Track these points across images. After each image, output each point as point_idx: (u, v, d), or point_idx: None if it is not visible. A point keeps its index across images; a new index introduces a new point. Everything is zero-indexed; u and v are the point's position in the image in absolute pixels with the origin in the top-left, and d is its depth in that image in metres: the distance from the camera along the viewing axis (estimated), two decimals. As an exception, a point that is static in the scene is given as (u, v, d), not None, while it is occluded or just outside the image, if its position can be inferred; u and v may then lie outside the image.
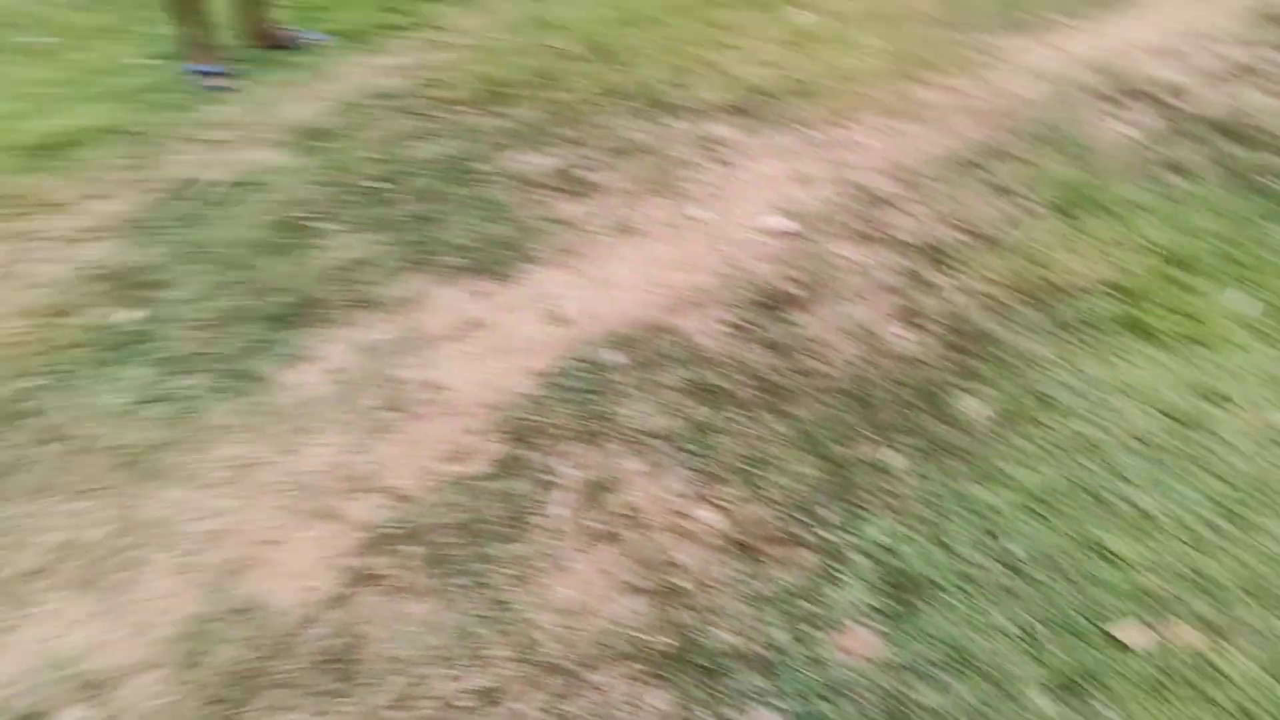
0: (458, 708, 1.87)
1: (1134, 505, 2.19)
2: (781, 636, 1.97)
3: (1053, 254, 3.00)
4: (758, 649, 1.95)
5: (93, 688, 1.92)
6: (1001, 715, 1.81)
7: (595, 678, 1.91)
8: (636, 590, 2.07)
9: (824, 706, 1.85)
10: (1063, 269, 2.93)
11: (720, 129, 3.81)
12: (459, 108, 3.91)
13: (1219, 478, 2.25)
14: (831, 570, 2.09)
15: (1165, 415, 2.42)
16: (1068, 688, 1.84)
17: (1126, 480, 2.25)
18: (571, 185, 3.43)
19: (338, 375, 2.62)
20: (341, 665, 1.94)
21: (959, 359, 2.63)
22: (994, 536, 2.14)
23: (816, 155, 3.61)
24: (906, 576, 2.06)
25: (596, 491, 2.29)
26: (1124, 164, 3.46)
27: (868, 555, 2.11)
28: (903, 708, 1.83)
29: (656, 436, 2.45)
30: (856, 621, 1.99)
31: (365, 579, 2.11)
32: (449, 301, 2.90)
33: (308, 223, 3.22)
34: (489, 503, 2.27)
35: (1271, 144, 3.58)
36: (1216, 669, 1.86)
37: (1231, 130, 3.66)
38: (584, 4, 4.92)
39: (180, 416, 2.49)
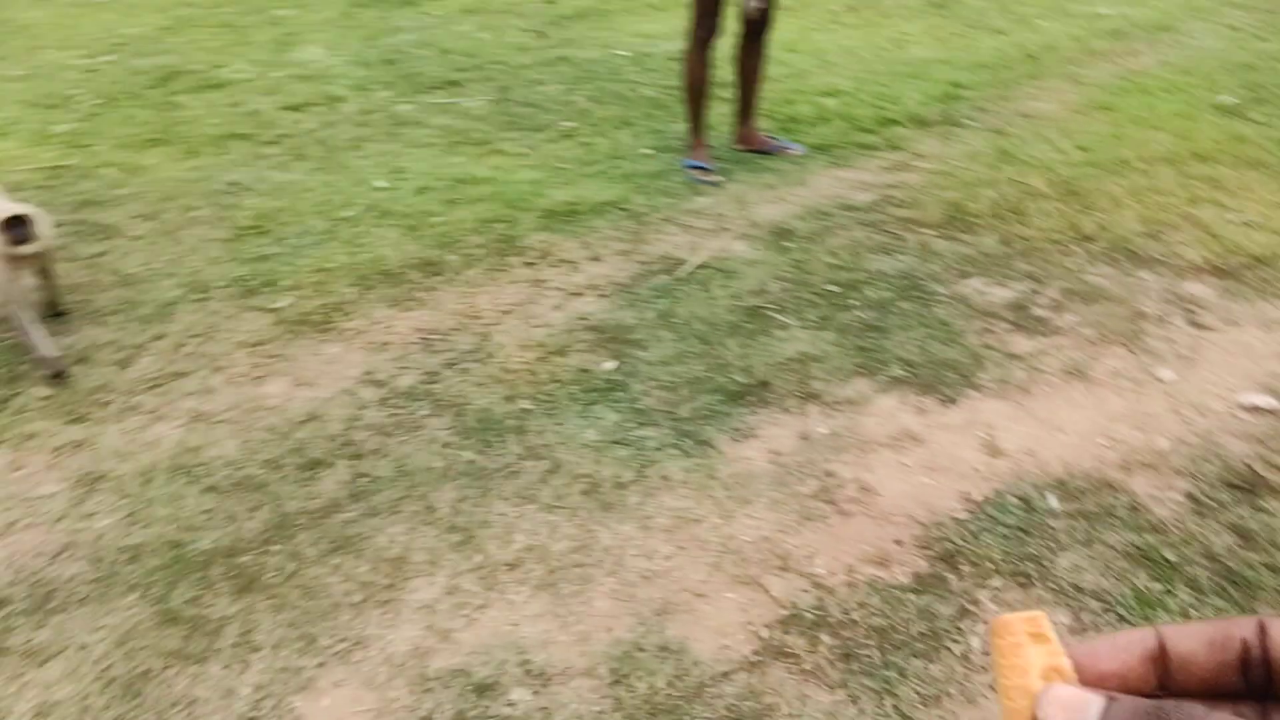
0: (854, 808, 1.89)
1: None
2: None
3: None
4: None
5: (537, 677, 2.21)
6: None
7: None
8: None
9: None
10: None
11: (1197, 289, 3.56)
12: (920, 228, 4.04)
13: None
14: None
15: None
16: None
17: None
18: (1026, 320, 3.38)
19: (778, 457, 2.80)
20: (749, 728, 2.05)
21: None
22: None
23: (1317, 335, 3.23)
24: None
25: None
26: None
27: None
28: None
29: (1091, 595, 2.31)
30: None
31: (778, 653, 2.22)
32: (889, 410, 2.98)
33: (768, 312, 3.49)
34: (906, 615, 2.28)
35: None
36: None
37: None
38: (1052, 143, 4.87)
39: (638, 462, 2.81)
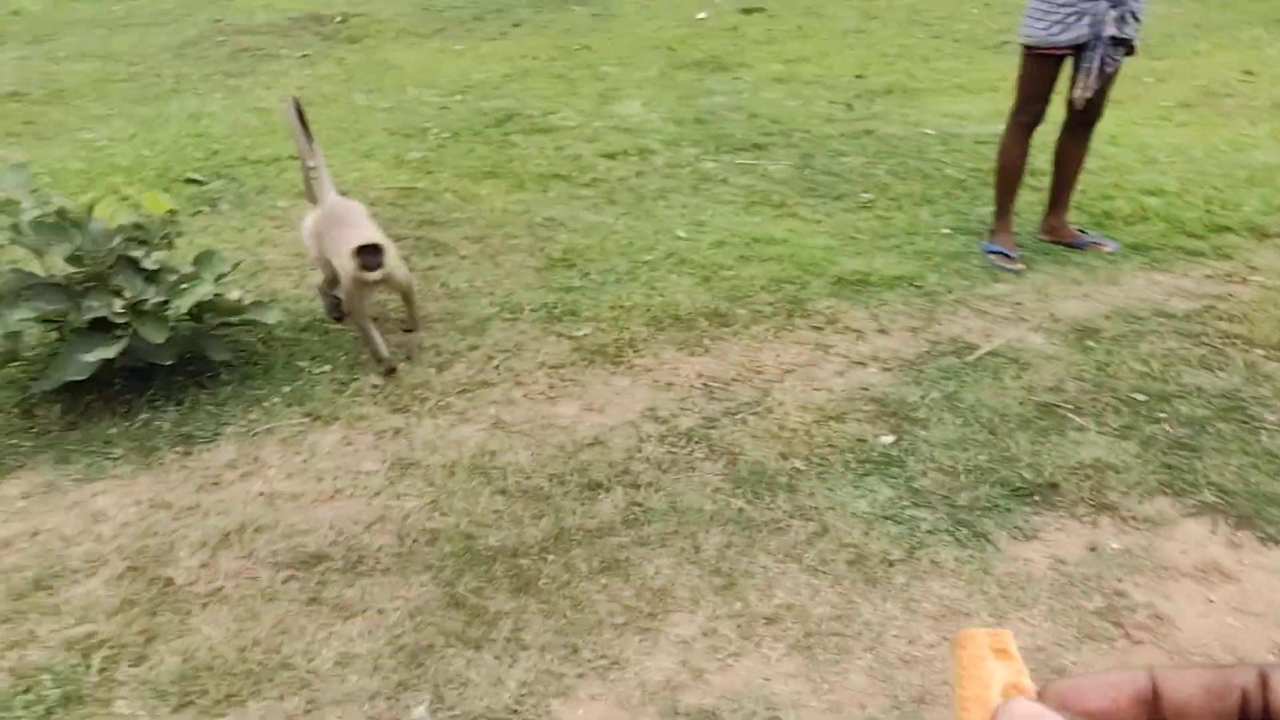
0: None
1: None
2: None
3: None
4: None
5: (782, 736, 2.20)
6: None
7: None
8: None
9: None
10: None
11: None
12: (1249, 347, 3.67)
13: None
14: None
15: None
16: None
17: None
18: (1379, 467, 2.97)
19: (1061, 565, 2.63)
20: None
21: None
22: None
23: None
24: None
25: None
26: None
27: None
28: None
29: None
30: None
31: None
32: (1196, 538, 2.72)
33: (1063, 411, 3.31)
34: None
35: None
36: None
37: None
38: None
39: (909, 542, 2.74)
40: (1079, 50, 4.19)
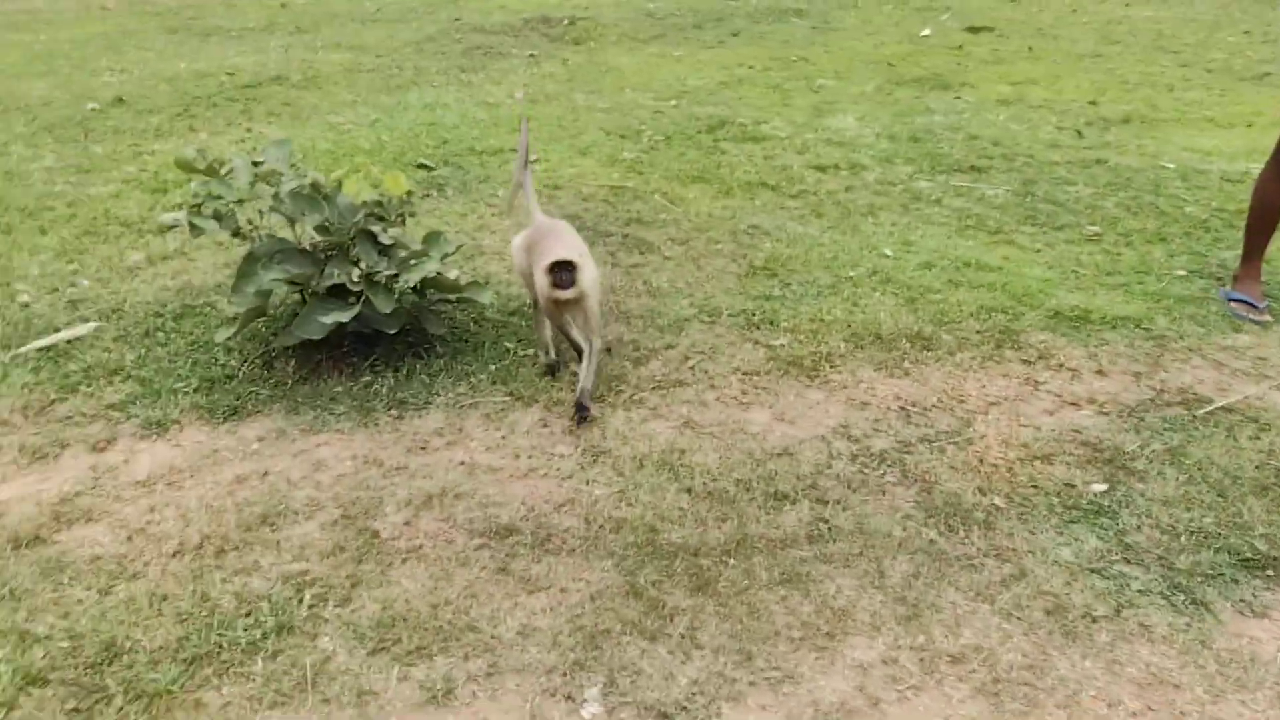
0: None
1: None
2: None
3: None
4: None
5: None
6: None
7: None
8: None
9: None
10: None
11: None
12: None
13: None
14: None
15: None
16: None
17: None
18: None
19: (1296, 649, 2.37)
20: None
21: None
22: None
23: None
24: None
25: None
26: None
27: None
28: None
29: None
30: None
31: None
32: None
33: (1310, 481, 2.99)
34: None
35: None
36: None
37: None
38: None
39: (1116, 600, 2.56)
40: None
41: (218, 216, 3.64)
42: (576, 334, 3.64)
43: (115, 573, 2.74)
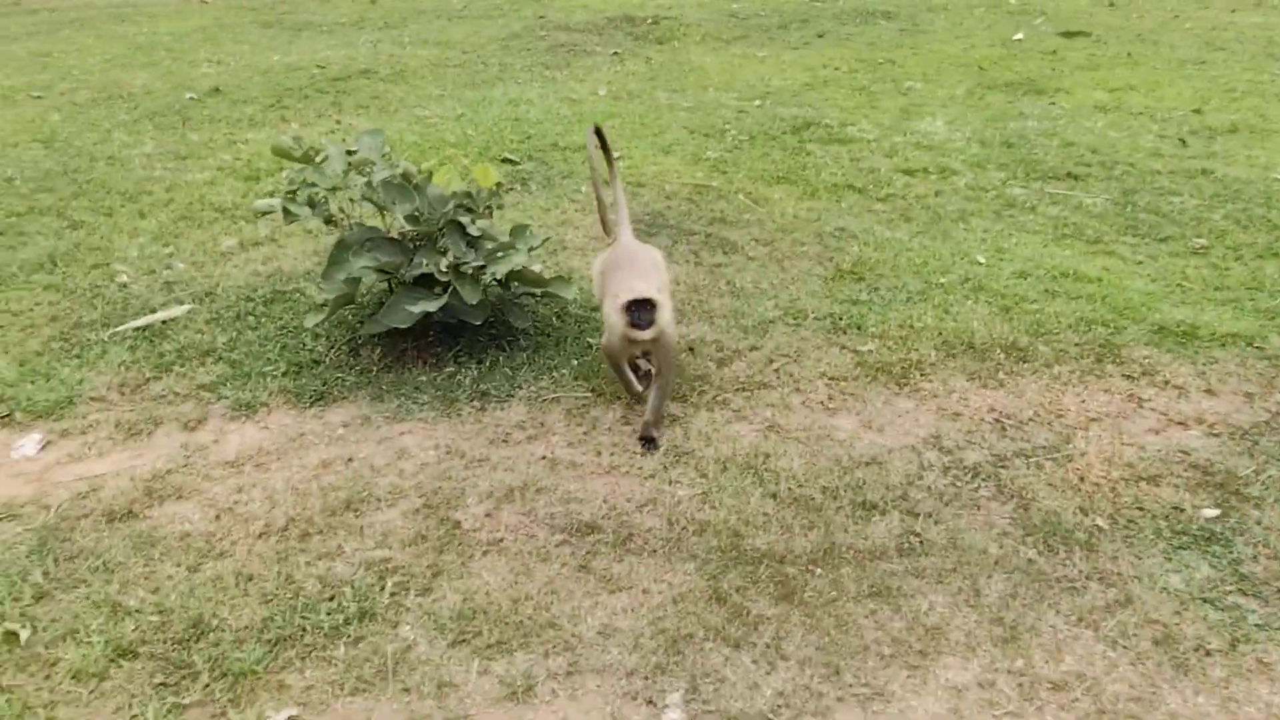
0: None
1: None
2: None
3: None
4: None
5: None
6: None
7: None
8: None
9: None
10: None
11: None
12: None
13: None
14: None
15: None
16: None
17: None
18: None
19: None
20: None
21: None
22: None
23: None
24: None
25: None
26: None
27: None
28: None
29: None
30: None
31: None
32: None
33: None
34: None
35: None
36: None
37: None
38: None
39: (1231, 633, 2.41)
40: None
41: (311, 203, 3.68)
42: (654, 365, 3.39)
43: (204, 550, 2.78)
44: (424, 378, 3.64)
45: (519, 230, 3.82)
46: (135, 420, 3.42)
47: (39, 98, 8.26)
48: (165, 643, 2.44)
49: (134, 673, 2.36)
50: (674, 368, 3.32)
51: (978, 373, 3.66)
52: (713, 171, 6.02)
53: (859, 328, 4.00)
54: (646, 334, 3.08)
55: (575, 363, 3.73)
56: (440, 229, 3.64)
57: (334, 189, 3.71)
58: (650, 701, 2.27)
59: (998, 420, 3.37)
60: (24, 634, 2.47)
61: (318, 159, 3.78)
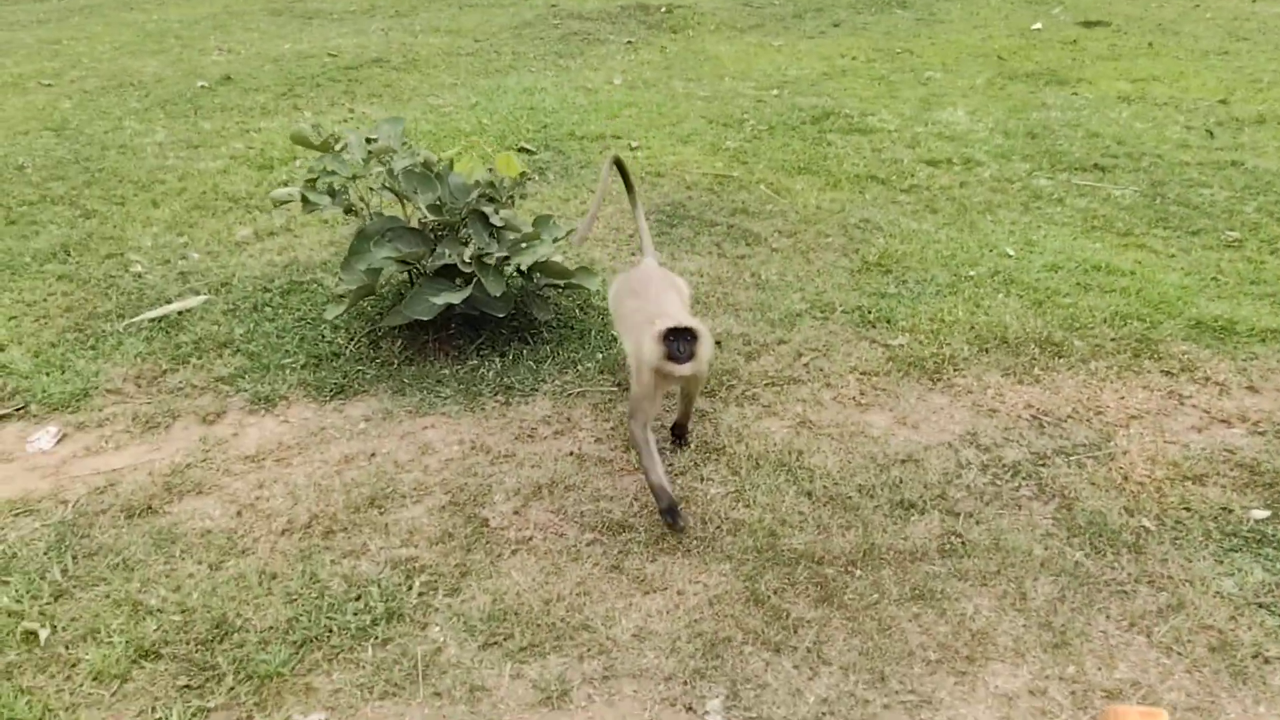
0: None
1: None
2: None
3: None
4: None
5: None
6: None
7: None
8: None
9: None
10: None
11: None
12: None
13: None
14: None
15: None
16: None
17: None
18: None
19: None
20: None
21: None
22: None
23: None
24: None
25: None
26: None
27: None
28: None
29: None
30: None
31: None
32: None
33: None
34: None
35: None
36: None
37: None
38: None
39: (1290, 638, 2.33)
40: None
41: (331, 192, 3.60)
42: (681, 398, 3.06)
43: (225, 548, 2.71)
44: (446, 371, 3.56)
45: (542, 220, 3.74)
46: (152, 413, 3.36)
47: (49, 85, 8.18)
48: (188, 643, 2.37)
49: (156, 674, 2.29)
50: (696, 393, 3.10)
51: (1012, 368, 3.57)
52: (733, 161, 5.93)
53: (888, 321, 3.91)
54: (685, 369, 2.69)
55: (600, 356, 3.65)
56: (463, 219, 3.56)
57: (354, 177, 3.63)
58: (690, 708, 2.20)
59: (1035, 417, 3.28)
60: (43, 633, 2.40)
61: (337, 147, 3.70)
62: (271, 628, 2.42)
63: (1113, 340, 3.75)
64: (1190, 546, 2.65)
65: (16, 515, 2.86)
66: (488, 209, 3.59)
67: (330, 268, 4.40)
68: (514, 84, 7.88)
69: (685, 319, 2.71)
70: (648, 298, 3.02)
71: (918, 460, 3.05)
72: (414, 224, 3.65)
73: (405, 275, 3.82)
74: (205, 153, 6.22)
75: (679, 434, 3.15)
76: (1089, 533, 2.70)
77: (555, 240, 3.68)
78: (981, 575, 2.56)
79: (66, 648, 2.36)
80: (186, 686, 2.26)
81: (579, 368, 3.59)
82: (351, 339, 3.77)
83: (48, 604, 2.50)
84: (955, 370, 3.56)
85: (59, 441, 3.23)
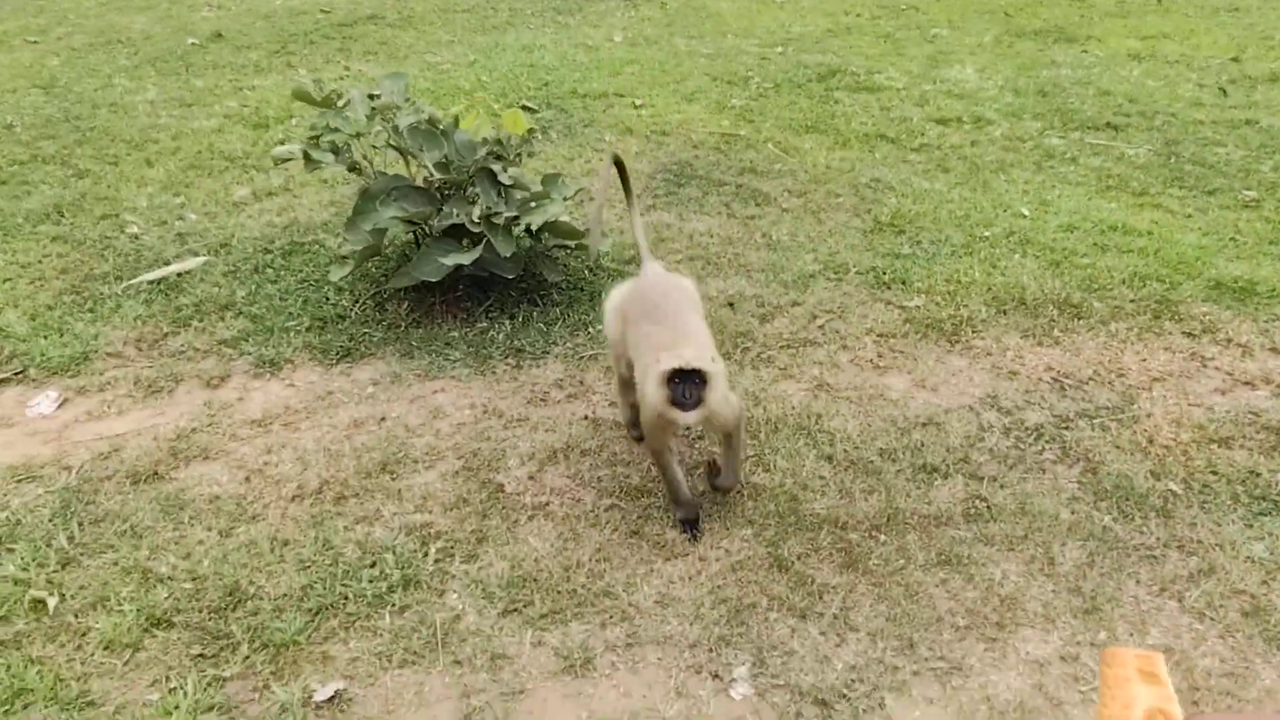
0: None
1: None
2: None
3: None
4: None
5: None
6: None
7: None
8: None
9: None
10: None
11: None
12: None
13: None
14: None
15: None
16: None
17: None
18: None
19: None
20: None
21: None
22: None
23: None
24: None
25: None
26: None
27: None
28: None
29: None
30: None
31: None
32: None
33: None
34: None
35: None
36: None
37: None
38: None
39: (1324, 603, 2.29)
40: None
41: (334, 150, 3.49)
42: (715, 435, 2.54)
43: (235, 514, 2.65)
44: (455, 334, 3.49)
45: (551, 179, 3.65)
46: (155, 377, 3.28)
47: (35, 42, 7.98)
48: (201, 611, 2.32)
49: (169, 643, 2.24)
50: (741, 435, 2.55)
51: (1031, 330, 3.51)
52: (739, 120, 5.81)
53: (904, 282, 3.84)
54: (691, 416, 2.30)
55: (612, 318, 3.58)
56: (470, 177, 3.46)
57: (357, 135, 3.52)
58: (716, 675, 2.15)
59: (1056, 380, 3.23)
60: (52, 602, 2.34)
61: (339, 103, 3.58)
62: (285, 595, 2.36)
63: (1132, 301, 3.68)
64: (1219, 510, 2.61)
65: (19, 481, 2.79)
66: (495, 167, 3.49)
67: (331, 228, 4.30)
68: (512, 41, 7.71)
69: (693, 356, 2.27)
70: (664, 316, 2.53)
71: (939, 423, 3.00)
72: (419, 183, 3.55)
73: (410, 236, 3.72)
74: (199, 111, 6.08)
75: (716, 483, 2.63)
76: (1115, 497, 2.66)
77: (566, 199, 3.59)
78: (1008, 540, 2.51)
79: (76, 616, 2.31)
80: (201, 655, 2.21)
81: (590, 330, 3.52)
82: (356, 301, 3.69)
83: (55, 572, 2.44)
84: (973, 332, 3.50)
85: (60, 406, 3.15)
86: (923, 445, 2.89)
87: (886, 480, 2.74)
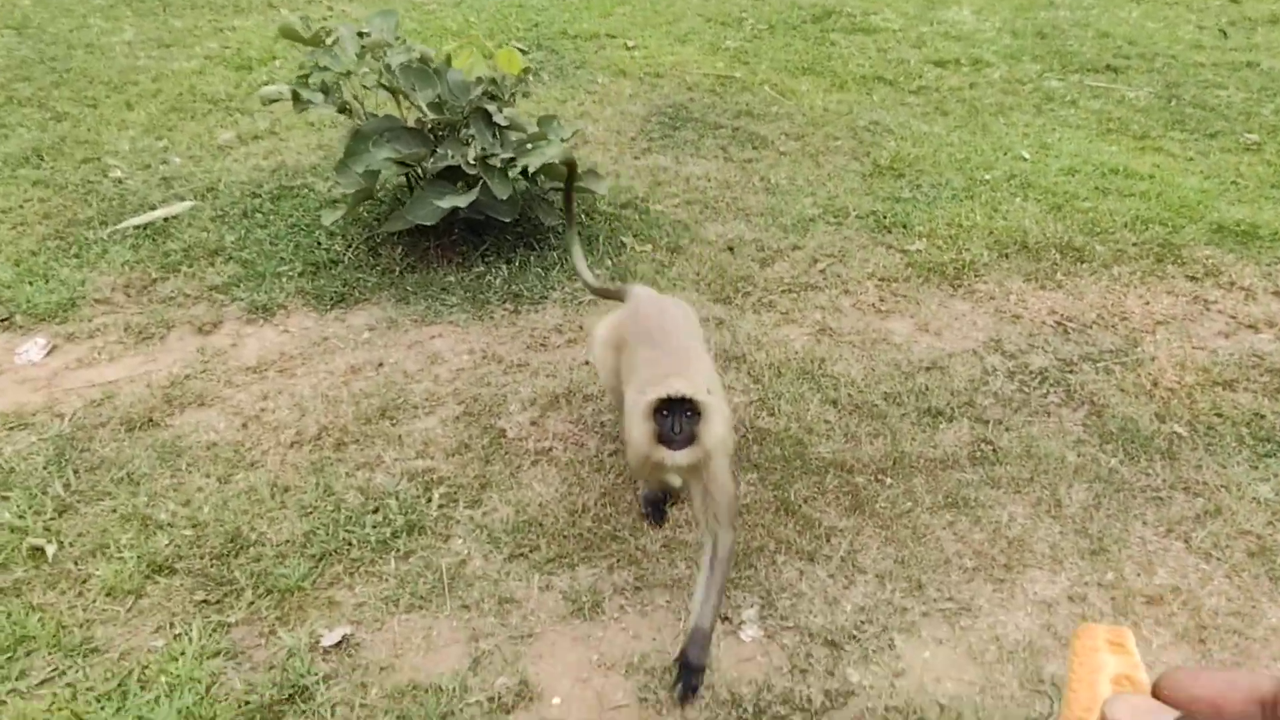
0: None
1: None
2: None
3: None
4: None
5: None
6: None
7: None
8: None
9: None
10: None
11: None
12: None
13: None
14: None
15: None
16: None
17: None
18: None
19: None
20: None
21: None
22: None
23: None
24: None
25: None
26: None
27: None
28: None
29: None
30: None
31: None
32: None
33: None
34: None
35: None
36: None
37: None
38: None
39: (1329, 542, 2.30)
40: None
41: (324, 89, 3.39)
42: (696, 510, 2.08)
43: (233, 461, 2.61)
44: (451, 278, 3.43)
45: (547, 121, 3.56)
46: (145, 323, 3.21)
47: (5, -19, 7.71)
48: (203, 558, 2.29)
49: (172, 589, 2.21)
50: (729, 502, 2.03)
51: (1034, 273, 3.48)
52: (734, 62, 5.70)
53: (904, 226, 3.80)
54: (680, 457, 1.90)
55: (609, 263, 3.52)
56: (465, 118, 3.37)
57: (347, 73, 3.41)
58: (725, 618, 2.15)
59: (1059, 323, 3.21)
60: (50, 549, 2.31)
61: (328, 41, 3.47)
62: (288, 541, 2.34)
63: (1134, 245, 3.65)
64: (1224, 452, 2.61)
65: (11, 429, 2.74)
66: (490, 107, 3.40)
67: (320, 172, 4.20)
68: (500, -20, 7.51)
69: (685, 387, 1.87)
70: (663, 345, 2.16)
71: (943, 367, 2.98)
72: (412, 124, 3.46)
73: (403, 179, 3.64)
74: (178, 52, 5.90)
75: (688, 678, 1.96)
76: (1121, 439, 2.65)
77: (563, 140, 3.50)
78: (1015, 482, 2.51)
79: (75, 564, 2.28)
80: (204, 601, 2.18)
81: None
82: (349, 245, 3.62)
83: (52, 519, 2.40)
84: (976, 276, 3.47)
85: (49, 353, 3.09)
86: (927, 389, 2.87)
87: (891, 424, 2.72)
